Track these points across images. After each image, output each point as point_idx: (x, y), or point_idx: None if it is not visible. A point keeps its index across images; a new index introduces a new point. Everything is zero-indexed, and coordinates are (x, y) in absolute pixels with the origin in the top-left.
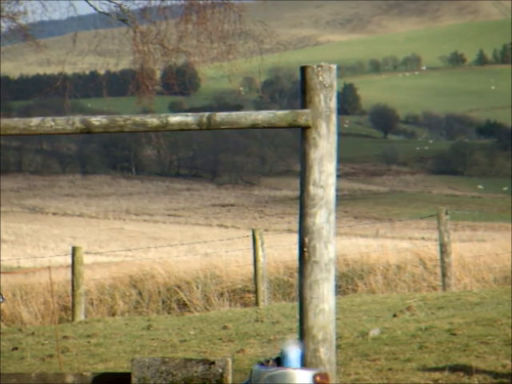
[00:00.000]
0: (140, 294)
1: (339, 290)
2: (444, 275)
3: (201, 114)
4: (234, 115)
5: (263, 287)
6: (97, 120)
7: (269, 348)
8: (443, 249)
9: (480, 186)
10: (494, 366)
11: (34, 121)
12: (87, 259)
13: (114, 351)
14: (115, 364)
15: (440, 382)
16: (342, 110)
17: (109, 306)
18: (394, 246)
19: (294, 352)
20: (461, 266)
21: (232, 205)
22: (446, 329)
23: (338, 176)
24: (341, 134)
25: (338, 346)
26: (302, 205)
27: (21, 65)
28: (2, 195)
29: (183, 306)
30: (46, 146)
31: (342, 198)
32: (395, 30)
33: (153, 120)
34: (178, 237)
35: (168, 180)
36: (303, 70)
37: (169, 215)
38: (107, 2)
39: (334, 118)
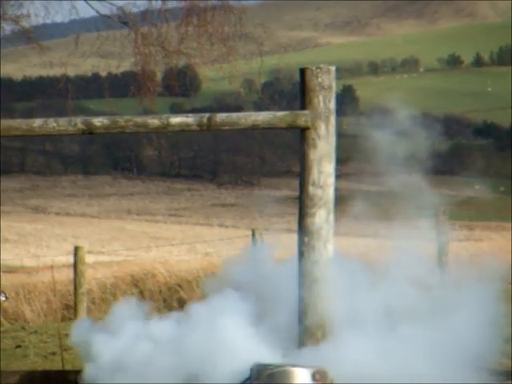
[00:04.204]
0: (141, 293)
1: None
2: (441, 274)
3: (201, 114)
4: (234, 116)
5: None
6: (98, 121)
7: None
8: (440, 248)
9: (477, 187)
10: (493, 365)
11: (37, 122)
12: (89, 258)
13: None
14: None
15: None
16: (341, 111)
17: (110, 304)
18: (392, 245)
19: None
20: (458, 265)
21: (232, 205)
22: None
23: (337, 176)
24: (340, 135)
25: None
26: (302, 205)
27: (24, 67)
28: (6, 195)
29: (184, 305)
30: (49, 147)
31: (341, 198)
32: (393, 33)
33: (154, 121)
34: (178, 236)
35: (169, 180)
36: (303, 71)
37: (170, 215)
38: (109, 5)
39: (332, 118)
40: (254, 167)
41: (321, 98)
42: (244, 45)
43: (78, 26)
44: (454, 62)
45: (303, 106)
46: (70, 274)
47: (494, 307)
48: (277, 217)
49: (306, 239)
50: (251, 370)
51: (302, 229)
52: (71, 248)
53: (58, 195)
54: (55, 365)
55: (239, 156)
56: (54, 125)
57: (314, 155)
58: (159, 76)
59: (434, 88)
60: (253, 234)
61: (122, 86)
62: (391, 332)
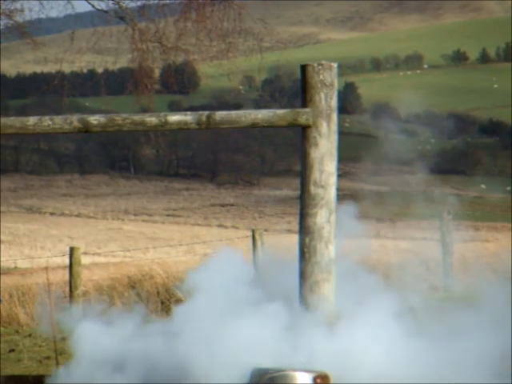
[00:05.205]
0: (138, 294)
1: None
2: (446, 275)
3: (200, 112)
4: (234, 114)
5: None
6: (95, 119)
7: None
8: (445, 249)
9: (483, 186)
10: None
11: (32, 120)
12: (85, 260)
13: None
14: None
15: None
16: (343, 109)
17: (107, 307)
18: (396, 246)
19: None
20: (463, 267)
21: (232, 205)
22: None
23: (338, 175)
24: (342, 133)
25: None
26: (303, 205)
27: (18, 63)
28: None
29: None
30: (44, 146)
31: (342, 198)
32: (397, 28)
33: (151, 119)
34: (176, 237)
35: (167, 180)
36: (304, 68)
37: (168, 215)
38: (105, 0)
39: (334, 116)
40: (253, 166)
41: (322, 96)
42: (244, 41)
43: (74, 22)
44: (458, 58)
45: (304, 104)
46: (66, 275)
47: (500, 309)
48: (277, 217)
49: (307, 240)
50: (252, 373)
51: (303, 229)
52: (67, 249)
53: (54, 195)
54: (50, 369)
55: (239, 155)
56: (50, 123)
57: (315, 154)
58: (157, 73)
59: (439, 85)
60: (253, 235)
61: (118, 83)
62: (399, 333)
